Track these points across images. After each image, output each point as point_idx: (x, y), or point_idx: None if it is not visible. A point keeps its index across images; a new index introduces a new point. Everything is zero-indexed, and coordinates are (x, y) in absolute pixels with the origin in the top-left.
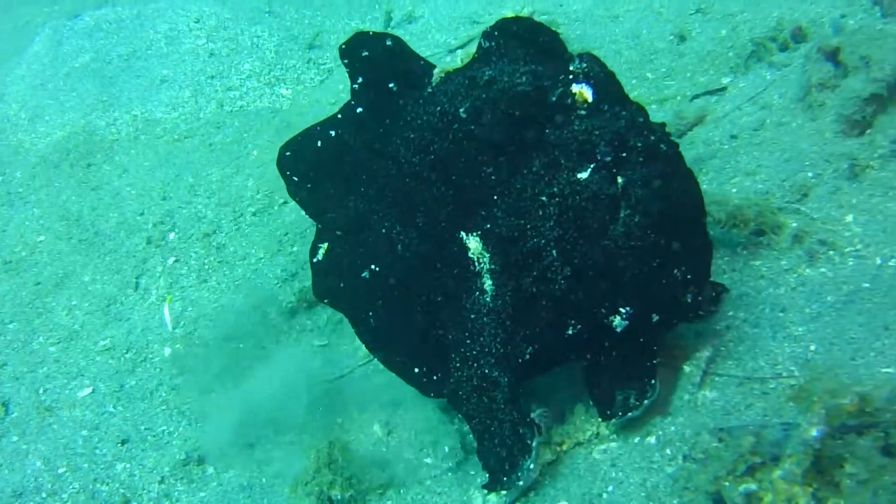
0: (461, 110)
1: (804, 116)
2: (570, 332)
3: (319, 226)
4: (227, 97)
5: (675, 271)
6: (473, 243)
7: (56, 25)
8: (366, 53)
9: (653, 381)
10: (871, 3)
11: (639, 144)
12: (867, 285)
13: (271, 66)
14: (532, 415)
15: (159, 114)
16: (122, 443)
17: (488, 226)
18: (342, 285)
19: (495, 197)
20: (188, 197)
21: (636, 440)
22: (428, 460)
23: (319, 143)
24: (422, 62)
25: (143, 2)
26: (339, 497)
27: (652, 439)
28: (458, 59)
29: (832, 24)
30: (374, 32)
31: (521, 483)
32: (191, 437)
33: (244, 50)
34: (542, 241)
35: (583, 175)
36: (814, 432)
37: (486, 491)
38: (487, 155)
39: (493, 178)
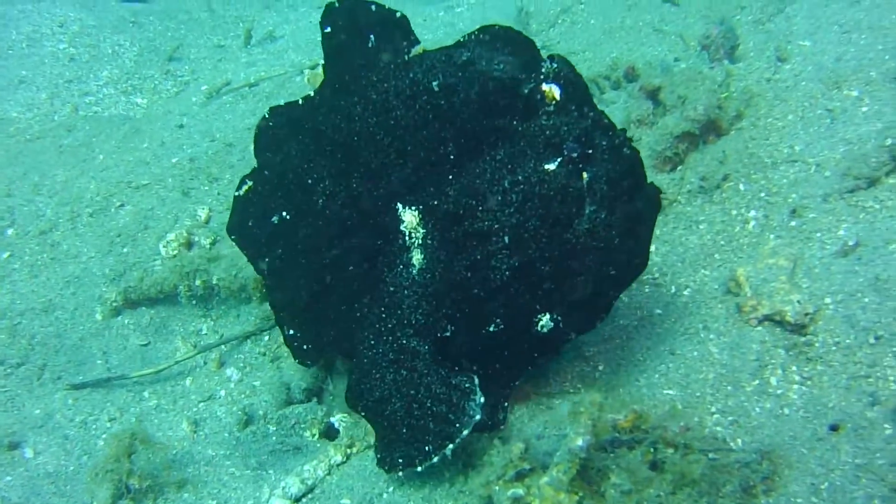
0: (434, 83)
1: None
2: (491, 328)
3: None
4: (82, 102)
5: (611, 293)
6: (409, 216)
7: None
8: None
9: (506, 403)
10: (700, 49)
11: (604, 143)
12: (659, 311)
13: (129, 75)
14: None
15: (14, 113)
16: None
17: (434, 202)
18: (251, 224)
19: (450, 177)
20: (31, 195)
21: None
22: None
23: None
24: (398, 14)
25: (9, 3)
26: (136, 487)
27: None
28: (305, 79)
29: (661, 65)
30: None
31: (476, 417)
32: (4, 424)
33: (104, 57)
34: (496, 226)
35: (550, 166)
36: (579, 441)
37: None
38: (451, 133)
39: (451, 157)
